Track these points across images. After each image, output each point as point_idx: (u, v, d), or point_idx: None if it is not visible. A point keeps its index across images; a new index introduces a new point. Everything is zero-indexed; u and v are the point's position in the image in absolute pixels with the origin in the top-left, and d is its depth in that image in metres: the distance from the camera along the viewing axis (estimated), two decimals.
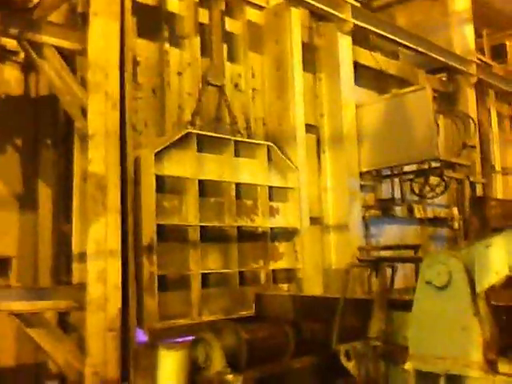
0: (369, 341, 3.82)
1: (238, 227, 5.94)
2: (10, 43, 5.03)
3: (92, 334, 4.28)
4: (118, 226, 4.67)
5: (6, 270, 4.66)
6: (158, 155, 5.25)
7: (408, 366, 3.34)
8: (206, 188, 5.76)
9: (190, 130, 5.62)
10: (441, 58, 9.63)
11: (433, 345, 3.28)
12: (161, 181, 5.31)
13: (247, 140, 6.32)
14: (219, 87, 6.28)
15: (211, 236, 5.75)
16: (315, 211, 7.20)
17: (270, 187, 6.37)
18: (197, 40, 6.28)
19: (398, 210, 8.59)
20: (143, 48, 5.88)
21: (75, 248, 4.72)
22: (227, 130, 6.33)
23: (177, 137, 5.45)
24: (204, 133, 5.79)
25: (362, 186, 7.89)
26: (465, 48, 10.43)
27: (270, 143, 6.43)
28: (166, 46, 6.06)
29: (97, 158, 4.67)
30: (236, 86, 6.75)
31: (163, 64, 6.02)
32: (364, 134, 7.89)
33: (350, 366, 3.76)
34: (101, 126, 4.73)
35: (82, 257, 4.55)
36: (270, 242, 6.27)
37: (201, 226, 5.56)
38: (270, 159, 6.37)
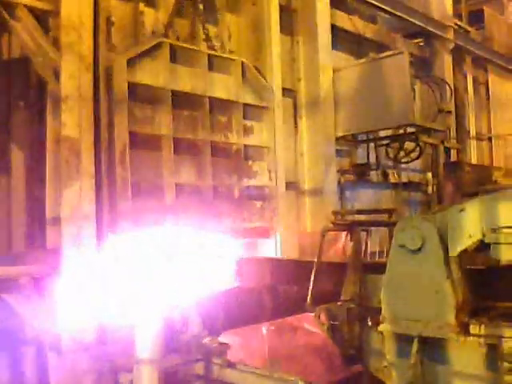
0: (343, 303, 3.87)
1: (212, 143, 5.94)
2: None
3: (68, 300, 4.26)
4: (92, 190, 4.63)
5: None
6: (131, 63, 5.21)
7: (382, 328, 3.40)
8: (179, 101, 5.70)
9: (162, 39, 5.58)
10: (418, 23, 9.62)
11: (406, 307, 3.33)
12: (133, 90, 5.27)
13: (221, 54, 6.26)
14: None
15: (184, 150, 5.75)
16: (291, 176, 7.22)
17: (245, 105, 6.34)
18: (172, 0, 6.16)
19: (373, 175, 8.64)
20: (117, 8, 5.74)
21: (49, 212, 4.67)
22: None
23: (150, 45, 5.43)
24: (177, 43, 5.78)
25: (337, 151, 7.91)
26: (442, 13, 10.41)
27: (244, 60, 6.39)
28: (141, 6, 5.93)
29: (70, 122, 4.61)
30: (212, 48, 6.65)
31: (138, 25, 5.89)
32: (341, 98, 7.88)
33: (324, 327, 3.82)
34: (74, 88, 4.66)
35: (57, 221, 4.51)
36: (243, 160, 6.29)
37: (174, 139, 5.55)
38: (244, 77, 6.34)
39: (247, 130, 6.36)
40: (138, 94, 5.38)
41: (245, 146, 6.31)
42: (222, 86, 6.10)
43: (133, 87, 5.26)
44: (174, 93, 5.60)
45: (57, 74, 4.69)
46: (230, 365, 3.26)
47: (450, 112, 8.98)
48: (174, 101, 5.58)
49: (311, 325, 3.82)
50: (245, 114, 6.35)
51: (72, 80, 4.66)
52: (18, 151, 5.17)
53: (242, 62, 6.32)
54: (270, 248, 6.53)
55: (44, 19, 4.89)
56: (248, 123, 6.39)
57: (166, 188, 5.48)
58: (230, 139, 6.17)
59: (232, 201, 6.13)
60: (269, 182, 6.55)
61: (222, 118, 6.12)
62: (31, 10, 4.72)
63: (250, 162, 6.42)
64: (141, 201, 5.28)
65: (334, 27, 8.02)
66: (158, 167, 5.47)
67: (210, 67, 6.00)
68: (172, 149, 5.54)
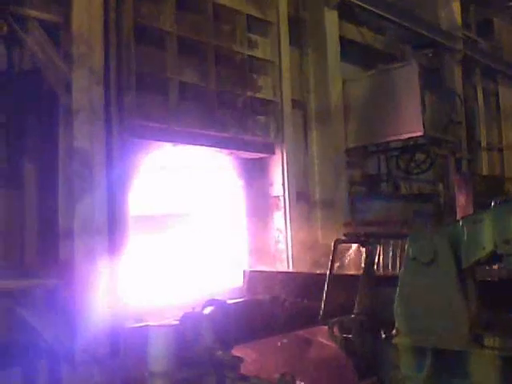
0: (356, 316, 3.85)
1: (216, 49, 5.97)
2: None
3: (81, 312, 4.28)
4: (104, 203, 4.65)
5: None
6: None
7: (396, 340, 3.38)
8: (182, 4, 5.76)
9: None
10: (427, 34, 9.60)
11: (420, 320, 3.31)
12: None
13: None
14: None
15: (188, 52, 5.77)
16: (302, 187, 7.20)
17: (249, 18, 6.40)
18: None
19: (384, 186, 8.61)
20: None
21: (62, 225, 4.68)
22: None
23: None
24: None
25: (348, 163, 7.90)
26: (451, 23, 10.40)
27: None
28: None
29: (82, 135, 4.63)
30: None
31: None
32: (350, 110, 7.89)
33: (338, 340, 3.80)
34: (85, 101, 4.69)
35: (69, 234, 4.53)
36: (248, 71, 6.32)
37: (178, 37, 5.60)
38: None
39: (252, 44, 6.41)
40: None
41: (249, 57, 6.34)
42: None
43: None
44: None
45: (68, 87, 4.72)
46: (243, 378, 3.26)
47: (460, 123, 8.97)
48: (177, 2, 5.65)
49: (324, 338, 3.81)
50: (249, 28, 6.41)
51: (83, 93, 4.69)
52: (31, 164, 5.19)
53: None
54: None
55: (55, 32, 4.92)
56: (252, 37, 6.44)
57: (170, 85, 5.50)
58: (235, 49, 6.21)
59: (236, 111, 6.14)
60: (273, 97, 6.55)
61: (225, 26, 6.16)
62: (42, 23, 4.75)
63: (255, 76, 6.44)
64: (146, 96, 5.34)
65: (342, 39, 8.03)
66: (162, 64, 5.50)
67: None
68: (176, 47, 5.57)
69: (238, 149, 6.30)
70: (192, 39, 5.78)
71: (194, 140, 5.75)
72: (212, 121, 5.83)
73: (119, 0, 5.08)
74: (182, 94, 5.60)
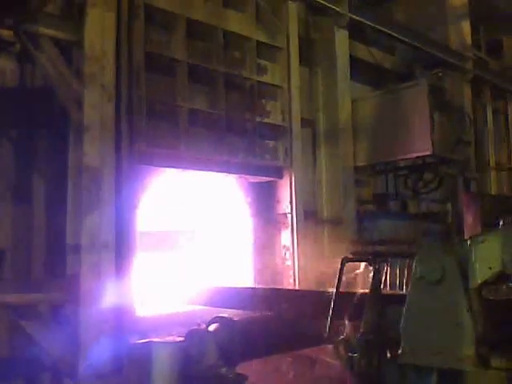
0: (362, 335, 3.83)
1: (226, 76, 6.00)
2: (6, 34, 4.98)
3: (85, 327, 4.28)
4: (112, 219, 4.67)
5: None
6: None
7: (401, 360, 3.35)
8: (193, 32, 5.80)
9: None
10: (437, 54, 9.63)
11: (426, 340, 3.28)
12: (149, 14, 5.38)
13: None
14: None
15: (198, 79, 5.82)
16: (310, 205, 7.20)
17: (258, 44, 6.42)
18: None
19: (392, 205, 8.59)
20: None
21: (69, 240, 4.70)
22: None
23: None
24: None
25: (356, 181, 7.90)
26: (461, 44, 10.42)
27: None
28: None
29: (92, 151, 4.67)
30: None
31: None
32: (359, 128, 7.90)
33: (343, 359, 3.77)
34: (96, 118, 4.73)
35: (77, 249, 4.54)
36: (257, 97, 6.34)
37: (189, 65, 5.64)
38: (258, 17, 6.47)
39: (261, 69, 6.44)
40: (154, 19, 5.48)
41: (258, 82, 6.36)
42: (236, 22, 6.21)
43: (149, 11, 5.36)
44: (189, 22, 5.71)
45: (79, 104, 4.77)
46: None
47: (469, 142, 8.95)
48: (188, 30, 5.69)
49: (329, 357, 3.79)
50: (259, 54, 6.43)
51: (94, 110, 4.74)
52: (40, 179, 5.24)
53: (257, 1, 6.42)
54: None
55: (67, 50, 4.98)
56: (262, 62, 6.47)
57: (179, 112, 5.54)
58: (244, 75, 6.24)
59: (245, 136, 6.17)
60: (282, 121, 6.59)
61: (235, 53, 6.22)
62: (55, 40, 4.81)
63: (264, 101, 6.48)
64: (156, 123, 5.36)
65: (352, 58, 8.06)
66: (172, 91, 5.55)
67: (225, 4, 6.14)
68: (187, 74, 5.61)
69: (247, 173, 6.34)
70: (202, 67, 5.83)
71: (203, 166, 5.80)
72: (221, 146, 5.88)
73: (131, 26, 5.15)
74: (192, 121, 5.63)
